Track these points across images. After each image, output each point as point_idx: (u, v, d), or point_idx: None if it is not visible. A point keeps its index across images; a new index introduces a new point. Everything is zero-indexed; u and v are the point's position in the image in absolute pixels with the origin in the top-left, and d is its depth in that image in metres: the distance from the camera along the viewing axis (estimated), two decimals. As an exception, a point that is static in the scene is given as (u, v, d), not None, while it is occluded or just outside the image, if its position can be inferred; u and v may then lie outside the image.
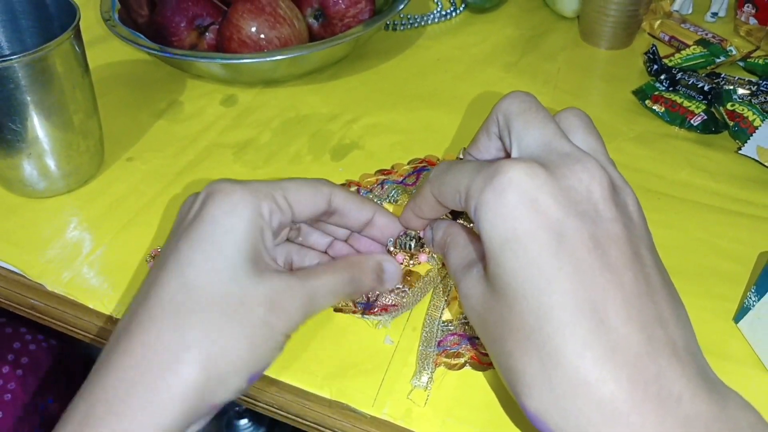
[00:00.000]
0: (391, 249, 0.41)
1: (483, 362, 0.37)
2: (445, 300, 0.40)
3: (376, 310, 0.39)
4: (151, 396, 0.28)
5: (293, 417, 0.38)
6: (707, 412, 0.25)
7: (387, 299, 0.40)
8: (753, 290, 0.39)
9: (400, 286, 0.41)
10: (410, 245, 0.40)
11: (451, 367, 0.37)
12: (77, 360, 0.84)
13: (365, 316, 0.39)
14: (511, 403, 0.36)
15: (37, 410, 0.74)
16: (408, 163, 0.51)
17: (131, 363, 0.29)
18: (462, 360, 0.37)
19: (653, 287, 0.27)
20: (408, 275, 0.41)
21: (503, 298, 0.28)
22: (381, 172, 0.50)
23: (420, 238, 0.40)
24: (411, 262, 0.41)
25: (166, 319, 0.29)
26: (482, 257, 0.31)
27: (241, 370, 0.30)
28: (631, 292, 0.27)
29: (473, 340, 0.38)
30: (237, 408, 0.89)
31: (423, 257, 0.41)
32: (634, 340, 0.26)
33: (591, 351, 0.26)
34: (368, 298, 0.40)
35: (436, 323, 0.39)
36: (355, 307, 0.40)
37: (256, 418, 0.90)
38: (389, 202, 0.46)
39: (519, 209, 0.27)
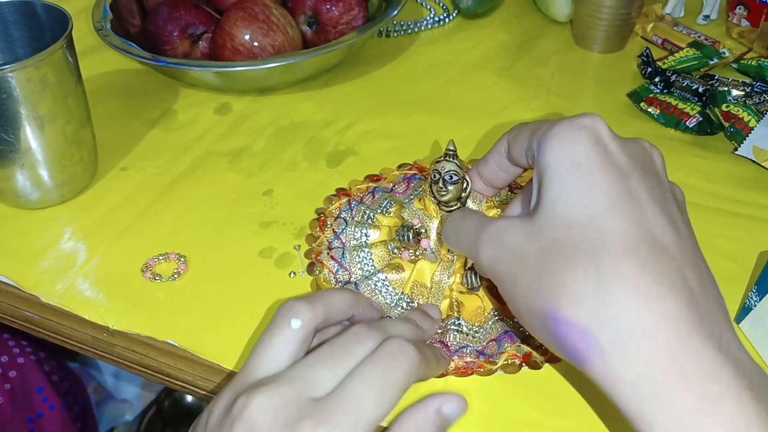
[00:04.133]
0: (395, 251, 0.41)
1: (467, 372, 0.37)
2: (438, 304, 0.40)
3: None
4: None
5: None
6: (747, 359, 0.28)
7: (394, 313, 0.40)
8: (754, 290, 0.38)
9: (407, 299, 0.40)
10: (408, 236, 0.40)
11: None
12: (68, 373, 0.83)
13: None
14: (510, 407, 0.36)
15: (26, 424, 0.73)
16: (397, 168, 0.51)
17: None
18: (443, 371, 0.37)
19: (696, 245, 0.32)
20: (414, 287, 0.41)
21: (556, 221, 0.30)
22: (370, 178, 0.50)
23: (417, 231, 0.40)
24: (417, 253, 0.41)
25: None
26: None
27: None
28: (686, 234, 0.31)
29: (459, 351, 0.38)
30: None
31: (424, 243, 0.41)
32: (690, 275, 0.29)
33: (652, 271, 0.28)
34: None
35: None
36: None
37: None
38: (381, 213, 0.45)
39: (591, 146, 0.30)
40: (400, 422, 0.30)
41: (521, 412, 0.36)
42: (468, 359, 0.38)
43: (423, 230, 0.41)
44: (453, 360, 0.38)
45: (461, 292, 0.40)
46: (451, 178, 0.38)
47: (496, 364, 0.37)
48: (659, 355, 0.26)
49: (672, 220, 0.30)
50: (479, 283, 0.39)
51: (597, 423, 0.35)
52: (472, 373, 0.37)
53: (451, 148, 0.39)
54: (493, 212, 0.41)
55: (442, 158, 0.38)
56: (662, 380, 0.26)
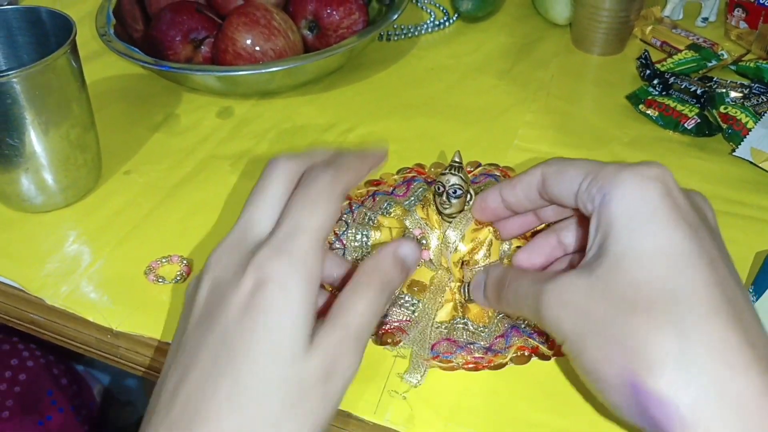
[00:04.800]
0: None
1: (477, 366, 0.37)
2: (440, 301, 0.40)
3: (387, 328, 0.39)
4: None
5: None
6: None
7: (397, 314, 0.40)
8: (751, 289, 0.39)
9: (408, 298, 0.41)
10: None
11: (444, 368, 0.37)
12: (76, 376, 0.83)
13: (387, 346, 0.39)
14: (511, 406, 0.36)
15: (35, 427, 0.74)
16: (397, 173, 0.51)
17: None
18: (453, 364, 0.37)
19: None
20: (414, 286, 0.41)
21: (624, 277, 0.28)
22: (370, 183, 0.50)
23: (419, 241, 0.41)
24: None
25: (234, 414, 0.28)
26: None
27: None
28: (745, 292, 0.29)
29: (467, 347, 0.38)
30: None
31: (425, 254, 0.41)
32: (761, 344, 0.27)
33: (734, 337, 0.26)
34: None
35: (430, 323, 0.39)
36: None
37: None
38: (382, 214, 0.46)
39: (663, 199, 0.29)
40: (360, 266, 0.31)
41: (521, 411, 0.36)
42: (476, 355, 0.38)
43: (424, 241, 0.41)
44: (461, 355, 0.38)
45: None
46: (455, 192, 0.38)
47: (505, 358, 0.37)
48: (748, 428, 0.25)
49: (736, 277, 0.29)
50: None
51: (597, 422, 0.35)
52: (482, 368, 0.37)
53: (457, 160, 0.39)
54: (484, 232, 0.40)
55: (447, 171, 0.38)
56: None
